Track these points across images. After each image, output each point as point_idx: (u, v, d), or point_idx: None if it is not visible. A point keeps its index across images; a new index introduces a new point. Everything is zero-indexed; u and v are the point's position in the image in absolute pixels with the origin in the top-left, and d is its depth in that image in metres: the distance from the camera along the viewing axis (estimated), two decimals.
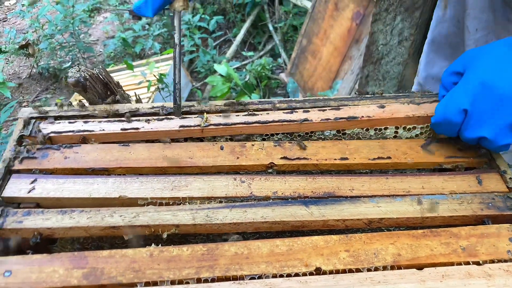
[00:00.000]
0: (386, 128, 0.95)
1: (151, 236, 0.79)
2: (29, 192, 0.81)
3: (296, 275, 0.71)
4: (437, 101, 0.95)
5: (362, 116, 0.93)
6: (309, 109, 0.94)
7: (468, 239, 0.76)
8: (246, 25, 4.53)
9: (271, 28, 4.47)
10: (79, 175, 0.85)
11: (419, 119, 0.93)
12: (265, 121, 0.93)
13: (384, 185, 0.85)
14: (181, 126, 0.92)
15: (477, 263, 0.72)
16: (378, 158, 0.89)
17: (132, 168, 0.87)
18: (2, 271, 0.69)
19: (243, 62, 4.40)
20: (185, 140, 0.94)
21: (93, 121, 0.93)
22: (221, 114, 0.95)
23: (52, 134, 0.91)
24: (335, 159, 0.88)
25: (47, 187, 0.82)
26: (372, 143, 0.92)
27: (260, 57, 4.40)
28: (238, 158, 0.88)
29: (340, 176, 0.86)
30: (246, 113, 0.94)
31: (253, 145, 0.91)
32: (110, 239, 0.88)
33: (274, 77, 4.12)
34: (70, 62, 4.53)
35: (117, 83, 1.05)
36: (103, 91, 1.00)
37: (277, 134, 0.95)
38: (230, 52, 4.47)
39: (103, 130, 0.91)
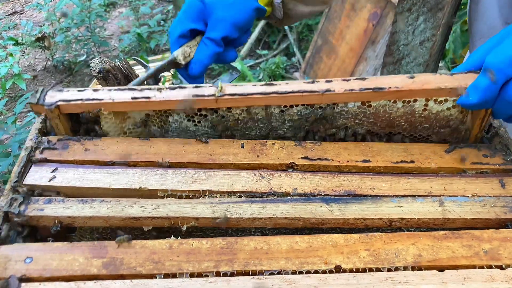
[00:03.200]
0: (415, 101, 0.88)
1: (170, 229, 0.80)
2: (50, 180, 0.82)
3: (316, 272, 0.70)
4: (472, 72, 0.86)
5: (390, 87, 0.84)
6: (332, 79, 0.87)
7: (491, 242, 0.74)
8: (261, 23, 4.53)
9: (286, 27, 4.46)
10: (100, 165, 0.86)
11: (451, 90, 0.84)
12: (284, 92, 0.85)
13: (405, 185, 0.84)
14: (194, 95, 0.86)
15: (500, 267, 0.71)
16: (401, 161, 0.88)
17: (152, 162, 0.87)
18: (23, 258, 0.70)
19: (257, 61, 4.39)
20: (199, 110, 0.90)
21: (103, 90, 0.88)
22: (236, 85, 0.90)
23: (60, 103, 0.86)
24: (357, 161, 0.87)
25: (68, 176, 0.83)
26: (395, 145, 0.91)
27: (275, 55, 4.39)
28: (258, 156, 0.88)
29: (361, 175, 0.86)
30: (263, 83, 0.88)
31: (273, 144, 0.90)
32: (129, 230, 0.88)
33: (288, 76, 4.12)
34: (85, 56, 4.57)
35: (137, 76, 1.05)
36: (124, 82, 1.01)
37: (296, 105, 0.88)
38: (244, 50, 4.47)
39: (113, 99, 0.86)
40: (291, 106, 0.88)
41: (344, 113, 0.91)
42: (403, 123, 0.92)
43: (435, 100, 0.88)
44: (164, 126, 0.93)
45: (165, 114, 0.92)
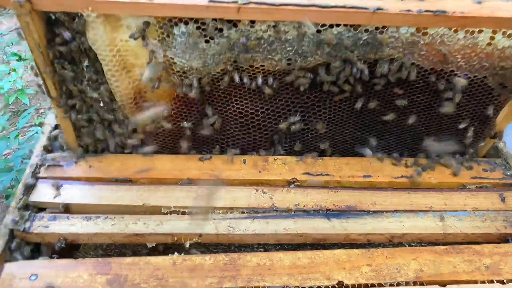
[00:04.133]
0: (480, 31, 0.73)
1: (174, 245, 0.80)
2: (54, 197, 0.83)
3: None
4: None
5: (454, 12, 0.70)
6: None
7: (492, 257, 0.75)
8: None
9: None
10: (104, 182, 0.87)
11: None
12: (324, 5, 0.68)
13: (406, 200, 0.85)
14: (210, 1, 0.68)
15: (501, 282, 0.72)
16: (402, 177, 0.89)
17: (156, 179, 0.87)
18: (28, 275, 0.70)
19: None
20: (215, 22, 0.71)
21: None
22: None
23: None
24: (358, 176, 0.88)
25: (72, 193, 0.84)
26: (395, 161, 0.92)
27: None
28: (260, 172, 0.89)
29: (362, 190, 0.87)
30: None
31: (275, 159, 0.91)
32: (133, 246, 0.89)
33: None
34: None
35: None
36: None
37: (337, 25, 0.72)
38: None
39: None
40: (331, 26, 0.72)
41: (393, 40, 0.76)
42: (459, 60, 0.79)
43: (504, 33, 0.75)
44: (167, 40, 0.76)
45: (169, 24, 0.75)
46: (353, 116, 0.86)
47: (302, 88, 0.79)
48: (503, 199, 0.85)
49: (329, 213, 0.82)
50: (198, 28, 0.71)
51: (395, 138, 0.91)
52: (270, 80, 0.78)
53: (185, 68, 0.77)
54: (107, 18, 0.71)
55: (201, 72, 0.77)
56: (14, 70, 3.09)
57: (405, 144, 0.93)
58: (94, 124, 0.87)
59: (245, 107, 0.84)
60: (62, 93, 0.81)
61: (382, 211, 0.83)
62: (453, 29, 0.73)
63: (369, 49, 0.75)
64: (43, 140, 0.93)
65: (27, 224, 0.78)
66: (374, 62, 0.77)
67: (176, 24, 0.72)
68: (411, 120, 0.85)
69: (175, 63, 0.77)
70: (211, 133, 0.87)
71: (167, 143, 0.92)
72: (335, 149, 0.94)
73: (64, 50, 0.75)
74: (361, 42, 0.74)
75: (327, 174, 0.88)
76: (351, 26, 0.72)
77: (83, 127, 0.87)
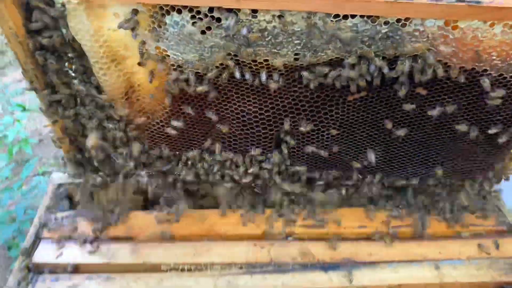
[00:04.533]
0: None
1: None
2: (57, 257, 0.85)
3: None
4: None
5: (491, 2, 0.59)
6: None
7: None
8: None
9: None
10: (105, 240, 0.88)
11: None
12: None
13: (401, 250, 0.86)
14: None
15: None
16: (397, 226, 0.91)
17: (155, 236, 0.89)
18: None
19: None
20: (210, 11, 0.62)
21: None
22: None
23: None
24: (354, 228, 0.90)
25: (74, 253, 0.86)
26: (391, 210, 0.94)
27: None
28: (258, 226, 0.91)
29: (359, 241, 0.88)
30: None
31: (272, 212, 0.93)
32: None
33: None
34: None
35: None
36: None
37: (352, 16, 0.61)
38: None
39: None
40: (345, 17, 0.61)
41: (417, 34, 0.63)
42: (494, 57, 0.65)
43: None
44: (159, 30, 0.65)
45: (161, 12, 0.64)
46: (368, 118, 0.78)
47: (312, 86, 0.71)
48: (497, 246, 0.87)
49: (326, 266, 0.83)
50: (192, 17, 0.63)
51: (417, 148, 0.83)
52: (275, 77, 0.70)
53: (180, 62, 0.70)
54: (90, 5, 0.62)
55: (198, 66, 0.70)
56: (18, 120, 3.15)
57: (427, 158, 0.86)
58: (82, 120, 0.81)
59: (247, 105, 0.77)
60: (47, 86, 0.76)
61: (378, 262, 0.84)
62: (488, 23, 0.61)
63: (389, 43, 0.64)
64: (46, 200, 0.95)
65: (30, 287, 0.79)
66: (394, 59, 0.67)
67: (168, 13, 0.63)
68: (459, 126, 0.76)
69: (168, 56, 0.70)
70: (210, 131, 0.81)
71: (162, 141, 0.87)
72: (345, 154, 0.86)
73: (46, 41, 0.69)
74: (380, 35, 0.63)
75: (323, 226, 0.90)
76: (368, 17, 0.61)
77: (71, 124, 0.82)
